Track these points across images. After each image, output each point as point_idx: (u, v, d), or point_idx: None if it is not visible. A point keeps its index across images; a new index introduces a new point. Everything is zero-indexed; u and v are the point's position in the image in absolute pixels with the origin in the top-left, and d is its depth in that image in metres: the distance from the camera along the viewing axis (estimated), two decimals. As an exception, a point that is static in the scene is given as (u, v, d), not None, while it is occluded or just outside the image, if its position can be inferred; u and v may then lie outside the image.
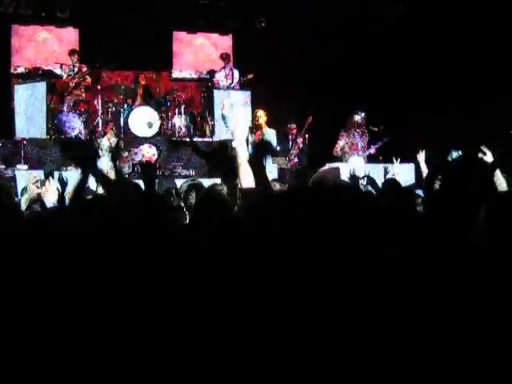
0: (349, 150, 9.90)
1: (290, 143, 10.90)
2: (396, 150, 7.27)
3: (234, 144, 4.01)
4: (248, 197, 3.78)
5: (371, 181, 4.60)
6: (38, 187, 5.21)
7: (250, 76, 11.93)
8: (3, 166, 9.53)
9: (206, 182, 5.43)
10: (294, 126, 11.03)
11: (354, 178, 4.76)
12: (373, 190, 4.64)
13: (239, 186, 4.04)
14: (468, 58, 10.52)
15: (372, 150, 9.99)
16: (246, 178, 3.84)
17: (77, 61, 11.40)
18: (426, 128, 10.38)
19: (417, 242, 2.63)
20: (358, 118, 9.94)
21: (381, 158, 9.83)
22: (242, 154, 3.90)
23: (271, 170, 9.22)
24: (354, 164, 7.71)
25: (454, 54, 10.77)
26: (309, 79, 12.65)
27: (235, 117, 9.49)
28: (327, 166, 8.82)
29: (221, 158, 7.73)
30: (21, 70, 12.37)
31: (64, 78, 11.27)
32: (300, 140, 10.77)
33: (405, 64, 11.52)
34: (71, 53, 11.55)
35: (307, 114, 10.47)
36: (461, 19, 10.53)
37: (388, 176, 5.90)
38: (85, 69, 11.25)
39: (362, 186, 4.79)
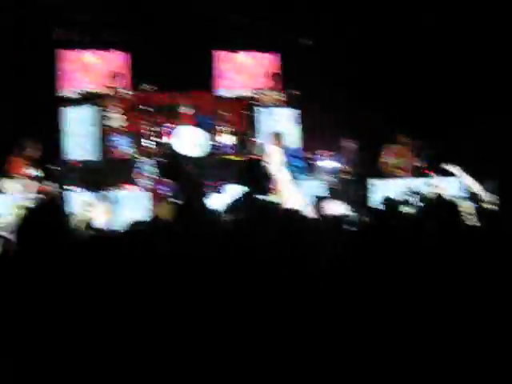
0: (397, 166, 9.95)
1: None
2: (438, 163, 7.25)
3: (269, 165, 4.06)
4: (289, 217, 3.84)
5: (422, 197, 4.60)
6: (89, 211, 5.36)
7: (295, 93, 12.00)
8: (54, 188, 9.75)
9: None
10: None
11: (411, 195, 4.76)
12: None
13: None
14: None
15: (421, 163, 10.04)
16: (285, 199, 3.91)
17: (121, 83, 11.64)
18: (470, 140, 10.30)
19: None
20: (403, 138, 10.03)
21: (424, 170, 9.80)
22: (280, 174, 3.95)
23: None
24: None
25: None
26: (356, 99, 12.64)
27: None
28: None
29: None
30: (70, 93, 12.68)
31: (112, 100, 11.51)
32: None
33: (451, 76, 11.44)
34: (115, 75, 11.82)
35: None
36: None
37: (429, 189, 5.86)
38: (130, 91, 11.49)
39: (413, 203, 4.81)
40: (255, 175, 10.05)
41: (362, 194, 9.94)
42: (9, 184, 9.48)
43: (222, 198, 8.35)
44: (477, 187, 5.90)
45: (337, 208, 3.93)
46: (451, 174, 7.40)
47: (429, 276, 2.49)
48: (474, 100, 10.66)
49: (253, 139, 11.75)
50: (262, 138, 11.40)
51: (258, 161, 9.46)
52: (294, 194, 4.07)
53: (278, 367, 2.05)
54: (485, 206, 5.43)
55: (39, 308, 2.35)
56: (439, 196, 4.69)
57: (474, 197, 5.90)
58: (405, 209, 4.57)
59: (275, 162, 3.83)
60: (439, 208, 4.25)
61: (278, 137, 10.53)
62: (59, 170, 10.54)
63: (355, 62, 12.59)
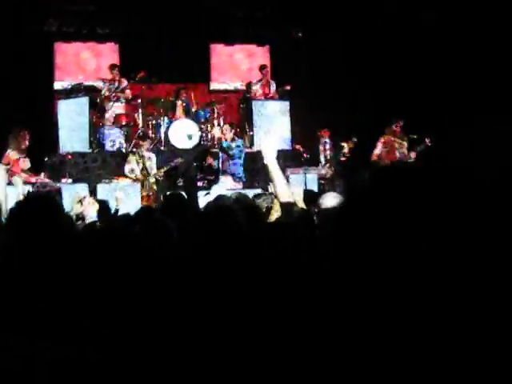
0: (386, 157, 9.95)
1: (321, 147, 10.99)
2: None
3: (265, 161, 4.04)
4: (287, 212, 3.84)
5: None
6: (81, 205, 5.35)
7: (287, 87, 12.00)
8: (48, 180, 9.74)
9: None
10: (326, 130, 11.11)
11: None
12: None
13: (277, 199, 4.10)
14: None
15: (412, 155, 10.04)
16: (281, 192, 3.90)
17: (117, 75, 11.61)
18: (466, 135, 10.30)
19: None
20: (395, 126, 10.02)
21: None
22: (274, 169, 3.94)
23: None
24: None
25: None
26: (347, 88, 12.68)
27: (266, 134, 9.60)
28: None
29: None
30: (63, 85, 12.65)
31: (105, 92, 11.50)
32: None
33: (443, 71, 11.46)
34: (111, 67, 11.78)
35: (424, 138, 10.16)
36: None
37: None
38: (125, 83, 11.44)
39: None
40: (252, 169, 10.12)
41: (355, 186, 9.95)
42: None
43: (216, 190, 8.35)
44: None
45: (331, 201, 3.91)
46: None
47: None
48: (467, 96, 10.66)
49: (248, 131, 11.76)
50: (255, 131, 11.41)
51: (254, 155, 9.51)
52: (288, 187, 4.05)
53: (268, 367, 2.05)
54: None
55: (32, 302, 2.35)
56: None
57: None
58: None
59: (269, 155, 3.81)
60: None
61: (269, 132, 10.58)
62: (53, 162, 10.53)
63: (347, 54, 12.64)
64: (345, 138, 11.01)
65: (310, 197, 5.01)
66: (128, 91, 11.55)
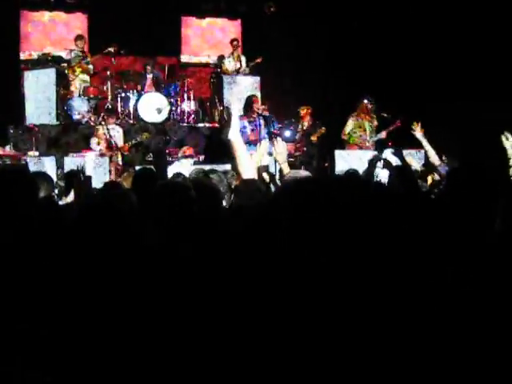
0: (357, 135, 9.97)
1: (299, 126, 10.92)
2: (407, 137, 7.23)
3: (229, 136, 3.96)
4: (244, 188, 3.78)
5: (388, 164, 4.59)
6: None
7: (258, 60, 11.89)
8: (14, 152, 9.55)
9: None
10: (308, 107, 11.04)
11: (371, 162, 4.74)
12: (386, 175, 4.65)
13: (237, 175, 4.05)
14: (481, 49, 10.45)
15: (383, 134, 10.06)
16: (244, 169, 3.84)
17: (82, 46, 11.42)
18: (439, 116, 10.36)
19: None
20: (366, 102, 10.01)
21: (390, 143, 9.86)
22: (238, 145, 3.88)
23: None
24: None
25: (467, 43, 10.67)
26: (318, 65, 12.62)
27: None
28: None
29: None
30: (29, 55, 12.40)
31: (72, 63, 11.27)
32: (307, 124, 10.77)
33: (417, 50, 11.42)
34: (77, 38, 11.56)
35: (396, 118, 10.13)
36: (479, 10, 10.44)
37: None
38: (88, 57, 11.31)
39: (379, 169, 4.80)
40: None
41: (326, 164, 9.96)
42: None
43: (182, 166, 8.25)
44: (431, 150, 5.88)
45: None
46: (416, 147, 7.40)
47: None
48: (450, 81, 10.68)
49: (217, 106, 11.66)
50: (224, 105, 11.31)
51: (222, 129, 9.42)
52: (252, 163, 4.00)
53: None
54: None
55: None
56: (403, 166, 4.70)
57: (435, 169, 5.93)
58: (370, 179, 4.58)
59: (233, 131, 3.75)
60: (403, 177, 4.27)
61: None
62: (19, 134, 10.34)
63: (319, 28, 12.56)
64: (317, 116, 10.95)
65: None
66: (91, 66, 11.38)
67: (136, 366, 2.15)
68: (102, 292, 2.26)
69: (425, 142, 5.97)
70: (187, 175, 5.00)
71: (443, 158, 6.02)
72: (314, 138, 10.46)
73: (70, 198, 4.95)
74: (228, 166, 6.70)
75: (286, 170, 4.07)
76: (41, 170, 6.85)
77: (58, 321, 2.18)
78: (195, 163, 9.11)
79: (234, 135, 3.92)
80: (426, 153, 6.18)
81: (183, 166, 7.73)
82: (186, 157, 9.62)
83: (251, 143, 8.44)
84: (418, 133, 6.04)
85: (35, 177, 3.41)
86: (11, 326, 2.14)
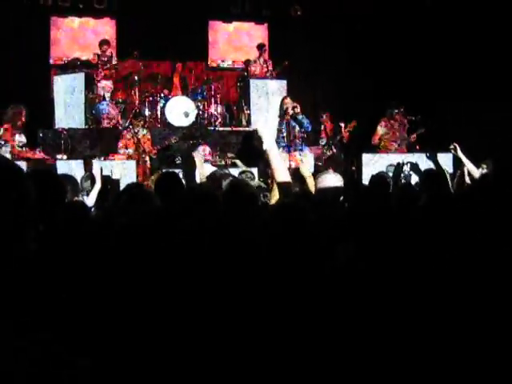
0: (388, 139, 9.93)
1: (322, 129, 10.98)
2: (434, 139, 7.19)
3: (264, 146, 3.89)
4: (284, 191, 3.77)
5: (415, 167, 4.57)
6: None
7: (285, 63, 11.89)
8: (43, 155, 9.63)
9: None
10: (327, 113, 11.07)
11: (398, 166, 4.72)
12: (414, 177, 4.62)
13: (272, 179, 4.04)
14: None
15: (412, 138, 10.03)
16: (279, 172, 3.81)
17: (107, 51, 11.51)
18: (466, 118, 10.28)
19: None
20: (395, 108, 9.99)
21: (418, 147, 9.83)
22: (274, 154, 3.84)
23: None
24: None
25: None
26: (344, 68, 12.58)
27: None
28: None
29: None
30: (59, 60, 12.54)
31: (99, 68, 11.36)
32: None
33: (445, 53, 11.35)
34: (102, 43, 11.66)
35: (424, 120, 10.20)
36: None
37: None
38: (114, 61, 11.41)
39: (406, 172, 4.79)
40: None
41: (355, 168, 9.91)
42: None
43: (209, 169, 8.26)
44: (470, 165, 5.91)
45: (332, 181, 3.86)
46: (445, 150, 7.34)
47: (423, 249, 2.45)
48: (469, 79, 10.59)
49: (245, 109, 11.66)
50: (252, 110, 11.32)
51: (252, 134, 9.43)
52: (285, 167, 3.96)
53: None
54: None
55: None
56: (433, 170, 4.66)
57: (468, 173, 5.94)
58: (399, 182, 4.55)
59: (267, 140, 3.69)
60: (433, 181, 4.24)
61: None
62: (49, 138, 10.45)
63: (346, 33, 12.54)
64: (342, 119, 10.97)
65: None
66: (125, 68, 11.47)
67: (136, 365, 2.16)
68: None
69: (464, 159, 6.02)
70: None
71: (482, 165, 6.03)
72: (346, 132, 10.56)
73: (91, 200, 5.00)
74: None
75: (311, 184, 4.03)
76: (67, 173, 6.91)
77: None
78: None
79: (269, 145, 3.84)
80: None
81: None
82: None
83: (286, 145, 8.54)
84: (459, 152, 6.10)
85: (63, 179, 3.44)
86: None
